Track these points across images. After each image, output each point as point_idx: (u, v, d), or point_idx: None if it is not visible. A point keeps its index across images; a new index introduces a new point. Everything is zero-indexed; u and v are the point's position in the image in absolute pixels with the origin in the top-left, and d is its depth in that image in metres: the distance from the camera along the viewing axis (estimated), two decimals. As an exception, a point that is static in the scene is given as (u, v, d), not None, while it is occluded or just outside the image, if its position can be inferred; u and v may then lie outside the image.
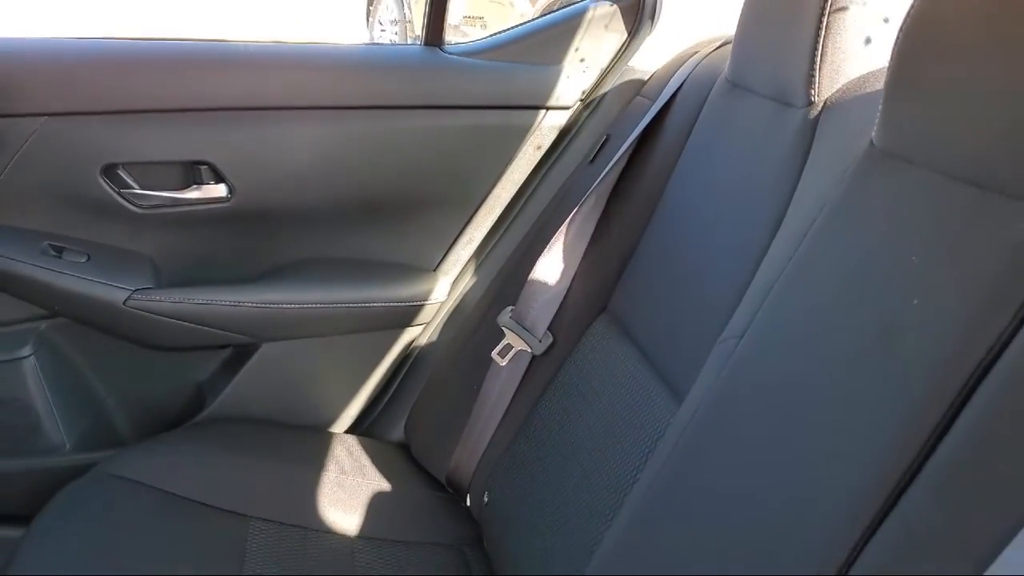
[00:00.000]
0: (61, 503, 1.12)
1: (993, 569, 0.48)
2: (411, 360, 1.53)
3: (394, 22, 7.25)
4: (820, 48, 0.89)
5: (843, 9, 0.88)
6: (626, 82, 1.42)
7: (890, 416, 0.58)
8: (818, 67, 0.90)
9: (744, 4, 1.04)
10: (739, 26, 1.05)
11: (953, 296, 0.58)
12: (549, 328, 1.24)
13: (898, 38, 0.68)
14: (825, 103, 0.91)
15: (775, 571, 0.61)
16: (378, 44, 1.44)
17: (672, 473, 0.80)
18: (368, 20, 9.27)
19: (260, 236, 1.42)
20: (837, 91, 0.90)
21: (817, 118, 0.90)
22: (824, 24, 0.88)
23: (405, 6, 8.47)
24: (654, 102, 1.24)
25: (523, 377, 1.26)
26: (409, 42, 5.83)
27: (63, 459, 1.37)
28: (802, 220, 0.81)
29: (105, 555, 1.03)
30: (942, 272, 0.60)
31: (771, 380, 0.73)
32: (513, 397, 1.26)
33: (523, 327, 1.25)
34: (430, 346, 1.51)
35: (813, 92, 0.91)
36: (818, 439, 0.64)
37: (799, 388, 0.69)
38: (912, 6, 0.66)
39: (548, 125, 1.43)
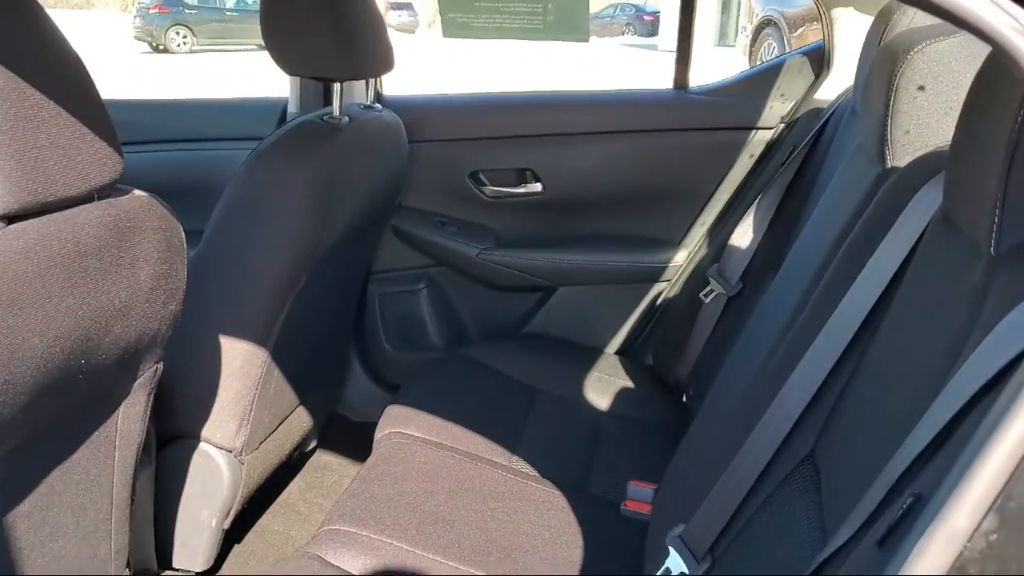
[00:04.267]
0: (424, 370, 1.90)
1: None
2: (660, 307, 2.16)
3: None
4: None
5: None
6: (812, 109, 1.94)
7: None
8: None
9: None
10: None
11: None
12: (740, 278, 1.81)
13: None
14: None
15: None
16: (641, 89, 2.13)
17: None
18: (750, 58, 9.89)
19: (561, 217, 2.15)
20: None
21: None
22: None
23: (786, 44, 8.99)
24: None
25: (721, 313, 1.83)
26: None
27: (439, 354, 2.19)
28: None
29: (443, 399, 1.76)
30: None
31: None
32: (714, 327, 1.84)
33: (723, 277, 1.83)
34: (673, 297, 2.13)
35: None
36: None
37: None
38: None
39: (757, 141, 2.00)
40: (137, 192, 1.09)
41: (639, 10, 21.98)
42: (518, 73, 9.53)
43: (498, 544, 1.34)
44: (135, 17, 16.72)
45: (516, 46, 11.91)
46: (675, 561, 1.15)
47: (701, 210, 2.10)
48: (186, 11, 16.21)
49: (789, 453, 1.05)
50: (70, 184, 0.94)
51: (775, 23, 9.74)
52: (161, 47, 15.94)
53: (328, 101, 1.66)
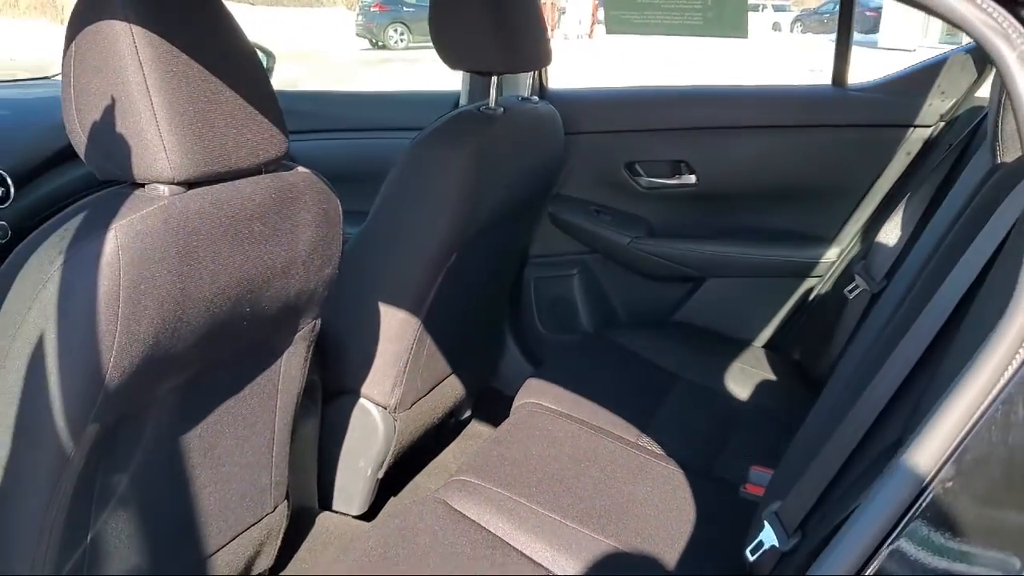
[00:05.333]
0: (569, 349, 2.01)
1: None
2: (812, 302, 2.15)
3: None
4: None
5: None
6: (972, 108, 1.88)
7: None
8: None
9: None
10: None
11: None
12: (885, 275, 1.79)
13: None
14: None
15: None
16: (800, 85, 2.16)
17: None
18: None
19: (713, 209, 2.19)
20: None
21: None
22: None
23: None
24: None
25: (865, 310, 1.82)
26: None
27: (583, 336, 2.29)
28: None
29: (581, 376, 1.86)
30: None
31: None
32: (858, 323, 1.83)
33: (869, 274, 1.82)
34: (824, 293, 2.12)
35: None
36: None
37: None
38: None
39: (915, 138, 1.96)
40: (300, 168, 1.26)
41: (861, 4, 20.95)
42: (706, 69, 9.41)
43: (610, 510, 1.43)
44: (358, 15, 17.80)
45: (720, 44, 11.73)
46: (768, 535, 1.20)
47: (856, 207, 2.08)
48: (404, 9, 17.07)
49: (878, 439, 1.08)
50: (241, 158, 1.11)
51: (1004, 18, 9.09)
52: (380, 44, 16.88)
53: (499, 92, 1.79)
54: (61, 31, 1.07)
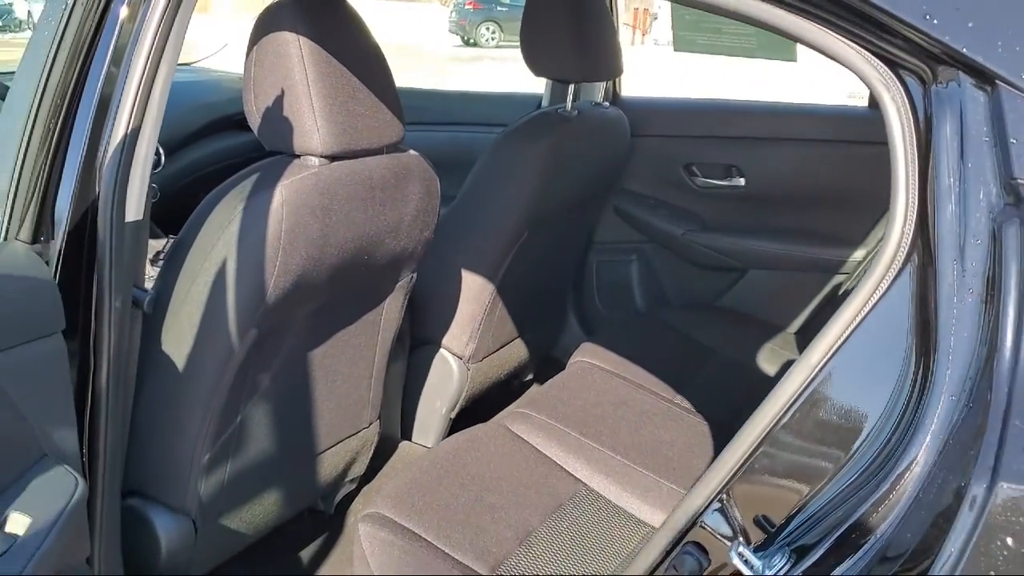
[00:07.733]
0: (622, 323, 2.33)
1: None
2: (839, 296, 2.42)
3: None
4: None
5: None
6: None
7: None
8: None
9: None
10: None
11: None
12: None
13: None
14: None
15: None
16: (839, 105, 2.41)
17: None
18: None
19: (758, 209, 2.48)
20: None
21: None
22: None
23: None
24: None
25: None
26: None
27: (636, 314, 2.60)
28: None
29: (629, 344, 2.15)
30: None
31: None
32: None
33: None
34: (852, 289, 2.38)
35: None
36: None
37: None
38: None
39: None
40: (411, 151, 1.60)
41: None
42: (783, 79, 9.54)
43: (641, 445, 1.74)
44: (451, 11, 18.29)
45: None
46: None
47: (883, 214, 2.33)
48: (498, 8, 17.47)
49: None
50: (370, 141, 1.46)
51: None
52: (472, 41, 17.32)
53: (576, 97, 2.10)
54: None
